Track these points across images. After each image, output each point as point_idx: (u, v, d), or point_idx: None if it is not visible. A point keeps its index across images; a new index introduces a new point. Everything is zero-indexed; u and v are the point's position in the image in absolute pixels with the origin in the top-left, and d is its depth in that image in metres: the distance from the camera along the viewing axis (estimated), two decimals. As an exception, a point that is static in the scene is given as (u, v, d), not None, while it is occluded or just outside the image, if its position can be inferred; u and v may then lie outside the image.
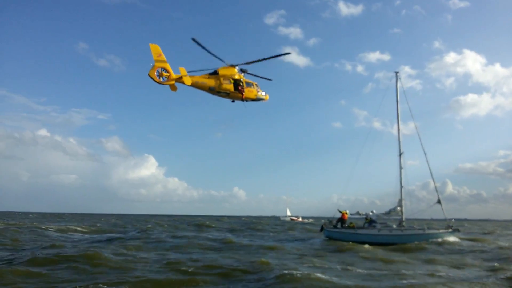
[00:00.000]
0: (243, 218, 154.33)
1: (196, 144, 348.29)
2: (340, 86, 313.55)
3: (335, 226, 37.45)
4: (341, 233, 36.10)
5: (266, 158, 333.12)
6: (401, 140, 37.10)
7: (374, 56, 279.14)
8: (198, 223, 74.48)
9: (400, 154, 36.62)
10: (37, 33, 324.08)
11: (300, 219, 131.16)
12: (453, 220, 35.46)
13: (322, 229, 38.40)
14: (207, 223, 75.21)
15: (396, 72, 38.93)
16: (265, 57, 20.02)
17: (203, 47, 18.97)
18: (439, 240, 34.00)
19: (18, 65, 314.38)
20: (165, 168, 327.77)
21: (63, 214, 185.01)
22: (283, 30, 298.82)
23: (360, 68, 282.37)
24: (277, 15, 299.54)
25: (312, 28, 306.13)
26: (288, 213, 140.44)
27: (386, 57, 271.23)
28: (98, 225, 62.35)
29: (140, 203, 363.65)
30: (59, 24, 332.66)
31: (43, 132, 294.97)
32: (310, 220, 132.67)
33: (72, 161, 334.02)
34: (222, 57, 19.81)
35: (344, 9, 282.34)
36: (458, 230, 35.88)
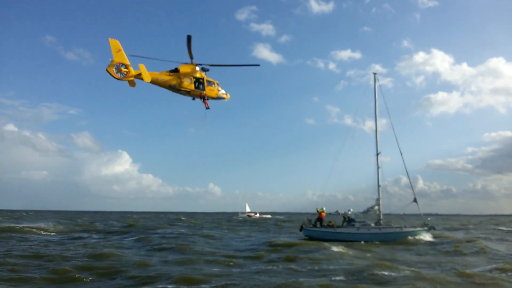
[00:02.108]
0: (210, 216, 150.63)
1: (170, 140, 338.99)
2: (312, 83, 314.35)
3: (314, 225, 37.28)
4: (321, 232, 35.80)
5: (241, 154, 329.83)
6: (378, 140, 37.08)
7: (345, 54, 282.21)
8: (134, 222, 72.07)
9: (377, 154, 36.56)
10: (3, 25, 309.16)
11: (258, 215, 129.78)
12: (429, 218, 36.08)
13: (301, 228, 38.27)
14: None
15: (375, 74, 38.94)
16: (235, 63, 20.43)
17: (189, 47, 18.59)
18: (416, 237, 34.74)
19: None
20: (139, 164, 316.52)
21: (30, 211, 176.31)
22: (255, 26, 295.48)
23: (332, 66, 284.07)
24: (249, 10, 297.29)
25: (284, 25, 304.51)
26: (247, 209, 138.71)
27: (357, 55, 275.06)
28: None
29: (113, 200, 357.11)
30: (25, 16, 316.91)
31: (10, 127, 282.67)
32: (268, 216, 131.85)
33: (42, 157, 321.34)
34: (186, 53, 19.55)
35: (315, 6, 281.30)
36: (434, 228, 36.32)
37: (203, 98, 21.29)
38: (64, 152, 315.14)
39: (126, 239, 34.66)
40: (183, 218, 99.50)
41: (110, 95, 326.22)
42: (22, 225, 47.62)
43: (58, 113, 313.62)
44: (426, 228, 35.18)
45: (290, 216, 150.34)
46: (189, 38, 18.11)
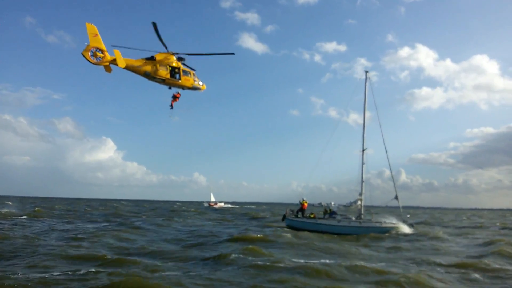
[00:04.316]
0: (175, 204, 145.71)
1: (155, 128, 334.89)
2: (298, 75, 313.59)
3: (296, 216, 37.66)
4: (303, 223, 36.15)
5: (226, 144, 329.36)
6: (365, 136, 37.10)
7: (331, 46, 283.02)
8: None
9: (363, 150, 36.67)
10: None
11: (218, 205, 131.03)
12: (408, 216, 36.99)
13: (284, 218, 38.71)
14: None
15: (366, 72, 38.69)
16: (217, 52, 20.56)
17: (158, 35, 18.34)
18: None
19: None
20: (124, 152, 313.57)
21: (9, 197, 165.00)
22: (240, 15, 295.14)
23: (317, 58, 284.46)
24: None
25: (269, 15, 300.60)
26: (212, 198, 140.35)
27: (342, 47, 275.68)
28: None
29: (96, 187, 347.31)
30: None
31: None
32: (228, 205, 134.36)
33: (24, 142, 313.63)
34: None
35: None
36: (412, 226, 37.39)
37: (173, 97, 21.58)
38: (46, 138, 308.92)
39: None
40: (124, 203, 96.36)
41: (95, 80, 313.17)
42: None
43: (41, 98, 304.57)
44: (406, 225, 36.13)
45: (267, 206, 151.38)
46: (154, 25, 17.84)
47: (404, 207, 37.38)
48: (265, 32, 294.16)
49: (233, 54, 22.28)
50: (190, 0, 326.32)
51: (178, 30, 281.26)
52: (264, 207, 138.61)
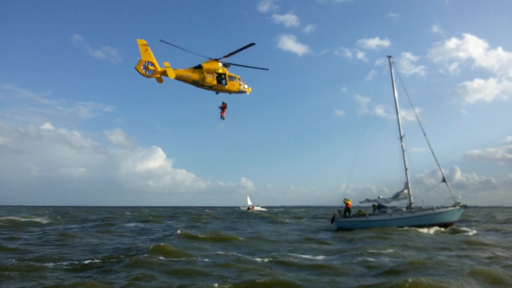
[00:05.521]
0: (206, 210, 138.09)
1: (201, 135, 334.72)
2: (340, 74, 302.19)
3: (345, 216, 37.01)
4: (353, 222, 35.55)
5: (272, 148, 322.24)
6: (400, 123, 36.91)
7: (373, 42, 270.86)
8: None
9: (401, 137, 36.45)
10: (35, 26, 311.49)
11: (257, 208, 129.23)
12: (459, 197, 35.88)
13: (333, 220, 38.39)
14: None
15: (389, 57, 38.56)
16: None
17: (174, 46, 19.75)
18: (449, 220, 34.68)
19: (22, 60, 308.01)
20: (173, 159, 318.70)
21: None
22: (278, 18, 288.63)
23: (360, 55, 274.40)
24: (270, 1, 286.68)
25: (307, 15, 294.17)
26: (249, 202, 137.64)
27: (386, 43, 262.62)
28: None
29: (149, 195, 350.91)
30: (52, 15, 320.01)
31: (47, 126, 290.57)
32: (263, 209, 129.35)
33: (79, 154, 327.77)
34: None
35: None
36: (466, 206, 35.80)
37: (221, 108, 22.96)
38: (99, 149, 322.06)
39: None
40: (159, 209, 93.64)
41: (143, 91, 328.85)
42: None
43: (94, 111, 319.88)
44: (457, 207, 35.00)
45: (304, 210, 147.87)
46: (250, 45, 19.68)
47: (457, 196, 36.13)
48: (304, 33, 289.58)
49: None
50: (227, 6, 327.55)
51: (217, 36, 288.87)
52: (300, 210, 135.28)
